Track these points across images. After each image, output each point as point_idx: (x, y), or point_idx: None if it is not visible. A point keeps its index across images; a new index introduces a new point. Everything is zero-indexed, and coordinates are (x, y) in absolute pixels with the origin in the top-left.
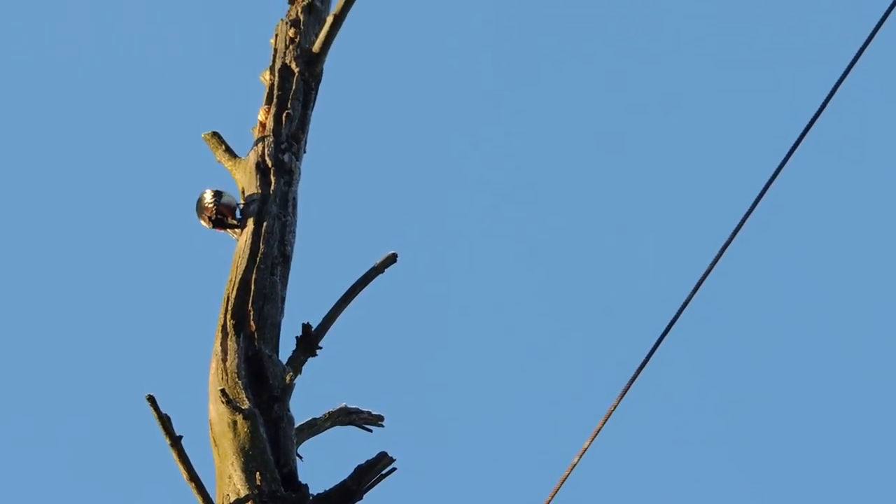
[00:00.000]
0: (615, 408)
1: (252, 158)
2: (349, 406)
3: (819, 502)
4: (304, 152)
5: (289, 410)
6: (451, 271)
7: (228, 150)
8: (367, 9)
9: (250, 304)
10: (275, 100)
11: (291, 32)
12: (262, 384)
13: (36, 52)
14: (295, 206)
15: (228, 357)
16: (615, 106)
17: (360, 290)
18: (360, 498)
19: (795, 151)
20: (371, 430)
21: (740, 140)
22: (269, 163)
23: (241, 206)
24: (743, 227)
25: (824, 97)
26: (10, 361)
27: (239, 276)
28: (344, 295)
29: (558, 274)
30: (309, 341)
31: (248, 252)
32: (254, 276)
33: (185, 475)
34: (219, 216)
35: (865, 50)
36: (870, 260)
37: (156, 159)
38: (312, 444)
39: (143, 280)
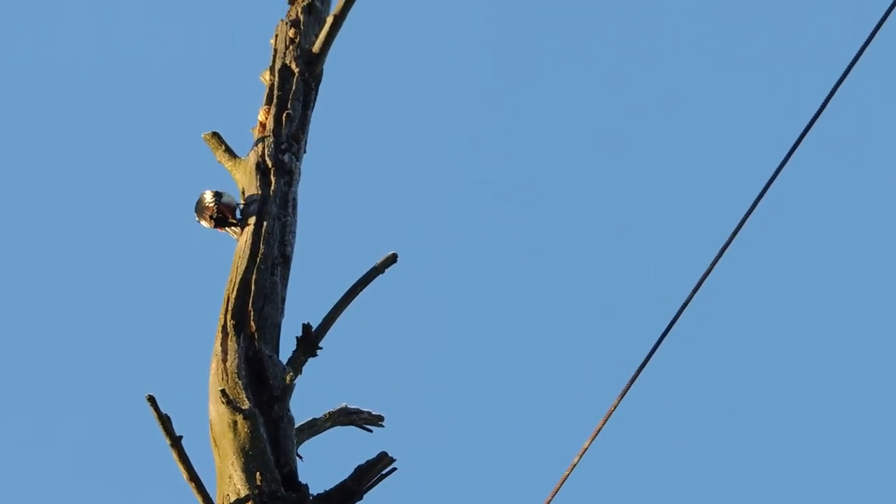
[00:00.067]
0: (615, 408)
1: (252, 159)
2: (349, 406)
3: (819, 502)
4: (304, 152)
5: (289, 410)
6: (451, 271)
7: (228, 151)
8: (367, 9)
9: (250, 305)
10: (275, 100)
11: (291, 33)
12: (262, 384)
13: (36, 52)
14: (295, 207)
15: (229, 357)
16: (615, 106)
17: (360, 291)
18: (361, 498)
19: (795, 151)
20: (371, 431)
21: (740, 140)
22: (270, 163)
23: (241, 207)
24: (743, 227)
25: (824, 97)
26: (11, 362)
27: (239, 277)
28: (344, 295)
29: (558, 274)
30: (309, 341)
31: (248, 252)
32: (254, 277)
33: (185, 475)
34: (220, 215)
35: (865, 50)
36: (870, 260)
37: (156, 159)
38: (313, 445)
39: (143, 280)
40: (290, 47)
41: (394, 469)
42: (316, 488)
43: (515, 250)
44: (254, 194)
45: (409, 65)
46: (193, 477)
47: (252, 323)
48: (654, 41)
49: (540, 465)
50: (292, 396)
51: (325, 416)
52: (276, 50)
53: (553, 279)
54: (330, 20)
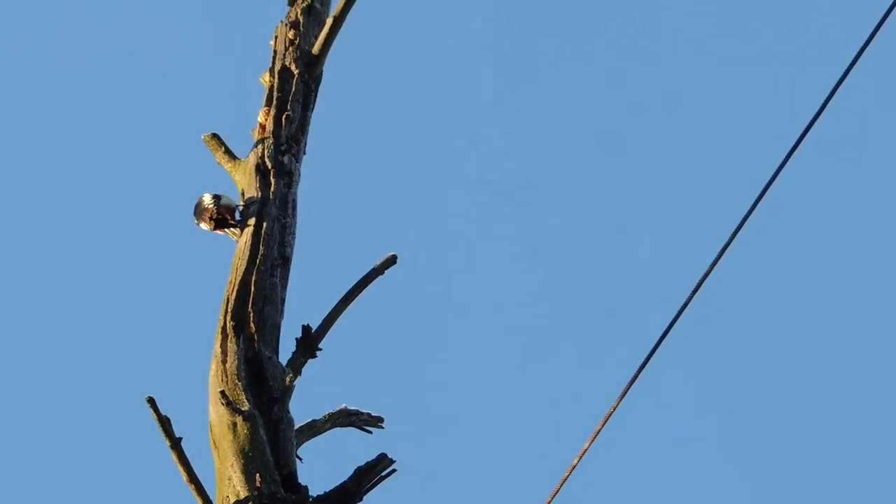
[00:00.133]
0: (615, 409)
1: (252, 160)
2: (349, 407)
3: (818, 503)
4: (304, 154)
5: (289, 412)
6: (450, 272)
7: (228, 152)
8: (367, 10)
9: (250, 306)
10: (274, 101)
11: (291, 34)
12: (261, 386)
13: (36, 52)
14: (295, 208)
15: (228, 359)
16: (615, 106)
17: (359, 292)
18: (360, 499)
19: (795, 151)
20: (371, 432)
21: (740, 140)
22: (269, 164)
23: (241, 208)
24: (743, 227)
25: (824, 97)
26: (11, 362)
27: (239, 278)
28: (344, 296)
29: (558, 275)
30: (309, 343)
31: (247, 254)
32: (254, 278)
33: (184, 477)
34: (219, 216)
35: (865, 50)
36: (870, 261)
37: (156, 161)
38: (312, 446)
39: (143, 282)
40: (290, 49)
41: (393, 470)
42: (316, 490)
43: (515, 251)
44: (253, 196)
45: (409, 66)
46: (193, 478)
47: (252, 324)
48: (654, 41)
49: (540, 466)
50: (292, 398)
51: (324, 417)
52: (275, 51)
53: (553, 279)
54: (329, 21)
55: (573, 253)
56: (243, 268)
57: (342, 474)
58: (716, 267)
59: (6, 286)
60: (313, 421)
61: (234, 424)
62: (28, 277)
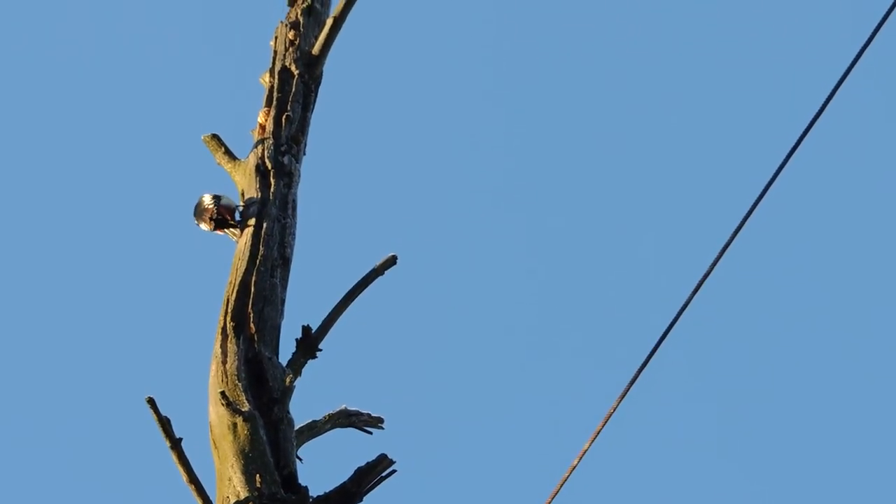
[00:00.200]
0: (615, 409)
1: (252, 160)
2: (349, 408)
3: (818, 503)
4: (304, 154)
5: (289, 412)
6: (450, 273)
7: (228, 153)
8: (367, 11)
9: (250, 307)
10: (274, 102)
11: (291, 35)
12: (261, 386)
13: (36, 53)
14: (295, 209)
15: (228, 359)
16: (615, 106)
17: (359, 293)
18: (360, 500)
19: (796, 152)
20: (371, 433)
21: (740, 140)
22: (269, 165)
23: (241, 209)
24: (743, 227)
25: (824, 97)
26: (11, 362)
27: (239, 279)
28: (344, 297)
29: (558, 275)
30: (309, 343)
31: (247, 254)
32: (254, 279)
33: (184, 477)
34: (219, 216)
35: (866, 50)
36: (870, 261)
37: (156, 161)
38: (312, 447)
39: (143, 282)
40: (290, 49)
41: (394, 471)
42: (316, 490)
43: (515, 251)
44: (253, 196)
45: (409, 66)
46: (193, 479)
47: (252, 325)
48: (654, 41)
49: (539, 467)
50: (292, 398)
51: (324, 417)
52: (275, 52)
53: (553, 280)
54: (329, 22)
55: (573, 253)
56: (243, 268)
57: (342, 475)
58: (716, 267)
59: (7, 286)
60: (313, 422)
61: (235, 425)
62: (28, 278)
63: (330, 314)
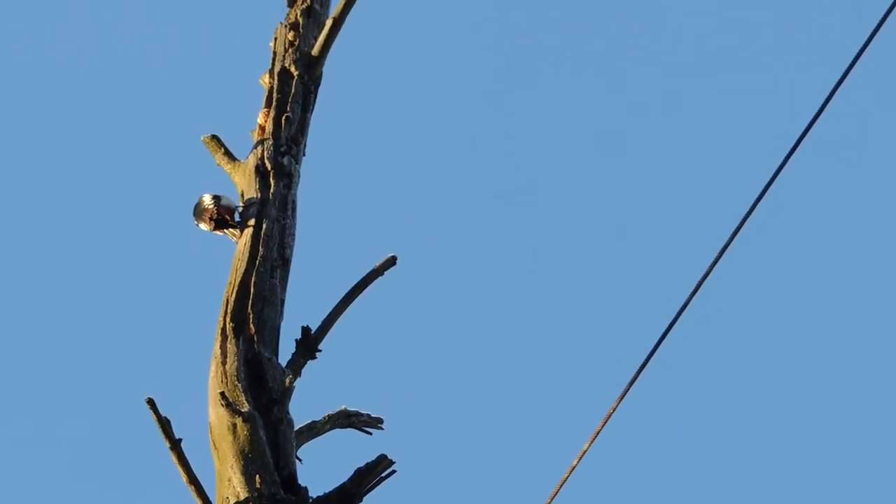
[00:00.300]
0: (615, 410)
1: (251, 161)
2: (349, 409)
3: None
4: (304, 155)
5: (288, 413)
6: (450, 273)
7: (228, 153)
8: (367, 12)
9: (250, 307)
10: (274, 103)
11: (291, 36)
12: (261, 387)
13: (36, 53)
14: (294, 209)
15: (228, 360)
16: (615, 107)
17: (359, 293)
18: (360, 500)
19: (796, 152)
20: (370, 433)
21: (740, 140)
22: (269, 166)
23: (241, 209)
24: (743, 227)
25: (824, 97)
26: (11, 363)
27: (238, 279)
28: (343, 298)
29: (558, 276)
30: (308, 344)
31: (247, 255)
32: (253, 279)
33: (184, 478)
34: (219, 217)
35: (865, 50)
36: (870, 261)
37: (155, 162)
38: (312, 447)
39: (142, 283)
40: (290, 50)
41: (393, 471)
42: (315, 491)
43: (514, 252)
44: (253, 197)
45: (409, 67)
46: (193, 480)
47: (251, 325)
48: (654, 41)
49: (539, 468)
50: (292, 399)
51: (324, 418)
52: (275, 53)
53: (553, 281)
54: (329, 23)
55: (573, 253)
56: (243, 269)
57: (342, 475)
58: (716, 267)
59: (7, 287)
60: (313, 422)
61: (234, 426)
62: (28, 278)
63: (329, 315)
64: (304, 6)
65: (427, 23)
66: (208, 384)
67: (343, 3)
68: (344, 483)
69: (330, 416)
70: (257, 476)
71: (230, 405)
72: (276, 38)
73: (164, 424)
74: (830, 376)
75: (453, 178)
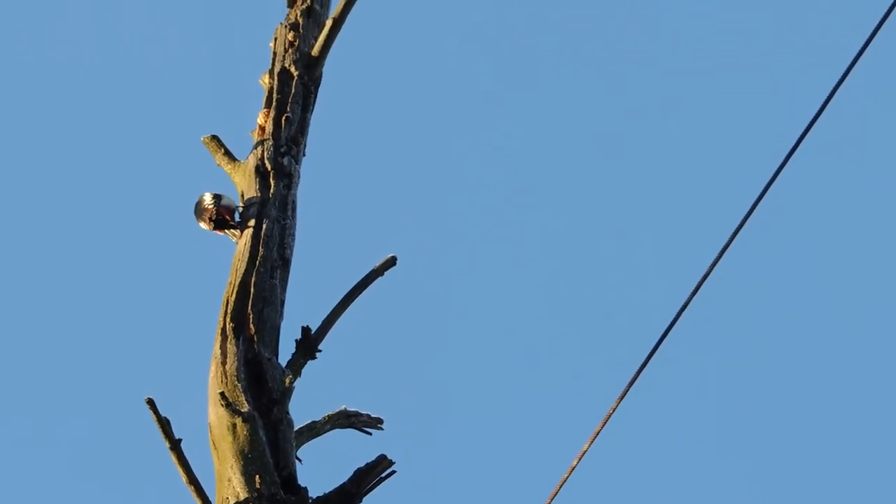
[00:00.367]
0: (614, 410)
1: (251, 162)
2: (349, 409)
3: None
4: (304, 155)
5: (288, 413)
6: (450, 274)
7: (228, 154)
8: (367, 12)
9: (250, 308)
10: (274, 103)
11: (291, 36)
12: (261, 387)
13: (36, 53)
14: (294, 210)
15: (228, 360)
16: (615, 107)
17: (359, 293)
18: (360, 501)
19: (795, 152)
20: (371, 433)
21: (740, 140)
22: (269, 166)
23: (241, 209)
24: (743, 227)
25: (824, 98)
26: (11, 363)
27: (238, 280)
28: (343, 298)
29: (558, 276)
30: (308, 344)
31: (247, 255)
32: (253, 280)
33: (184, 478)
34: (219, 217)
35: (865, 50)
36: (870, 261)
37: (155, 163)
38: (312, 447)
39: (142, 283)
40: (290, 50)
41: (393, 472)
42: (315, 491)
43: (514, 252)
44: (253, 197)
45: (409, 67)
46: (193, 480)
47: (251, 326)
48: (654, 41)
49: (539, 467)
50: (291, 399)
51: (324, 418)
52: (275, 53)
53: (552, 281)
54: (329, 23)
55: (573, 253)
56: (243, 269)
57: (342, 476)
58: (716, 267)
59: (6, 287)
60: (313, 422)
61: (234, 426)
62: (28, 279)
63: (329, 315)
64: (304, 6)
65: (427, 23)
66: (208, 384)
67: (343, 3)
68: (344, 483)
69: (330, 417)
70: (257, 476)
71: (230, 405)
72: (275, 39)
73: (164, 424)
74: (831, 376)
75: (453, 178)
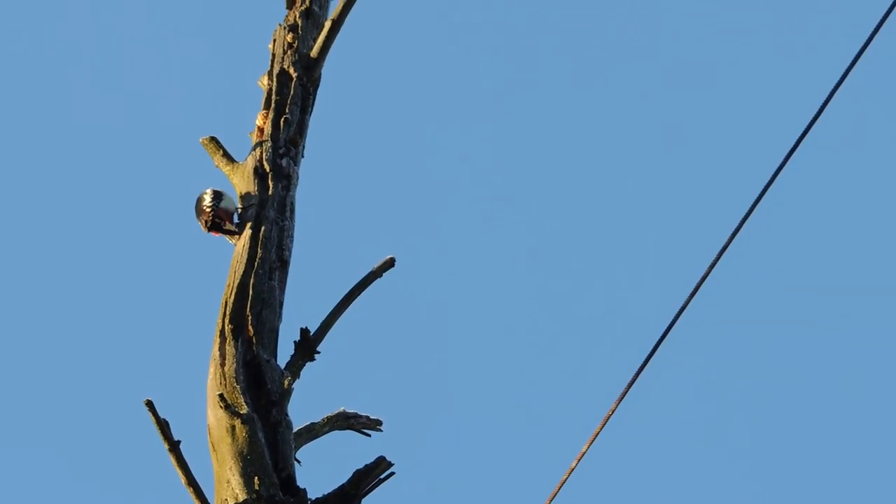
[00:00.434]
0: (614, 411)
1: (250, 163)
2: (347, 410)
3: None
4: (302, 157)
5: (287, 415)
6: (449, 275)
7: (226, 155)
8: (365, 13)
9: (248, 309)
10: (273, 105)
11: (289, 37)
12: (260, 389)
13: (36, 53)
14: (293, 211)
15: (227, 362)
16: (615, 107)
17: (358, 295)
18: (359, 502)
19: (795, 152)
20: (369, 435)
21: (740, 140)
22: (268, 167)
23: (239, 211)
24: (742, 228)
25: (824, 98)
26: (11, 364)
27: (237, 281)
28: (342, 299)
29: (557, 277)
30: (307, 346)
31: (246, 257)
32: (252, 281)
33: (183, 480)
34: (216, 220)
35: (865, 50)
36: (869, 261)
37: (154, 164)
38: (311, 449)
39: (141, 284)
40: (289, 52)
41: (392, 473)
42: (314, 493)
43: (513, 253)
44: (252, 198)
45: (407, 69)
46: (192, 481)
47: (250, 327)
48: (654, 41)
49: (539, 467)
50: (290, 401)
51: (323, 420)
52: (274, 55)
53: (552, 282)
54: (328, 25)
55: (572, 254)
56: (242, 271)
57: (341, 477)
58: (716, 267)
59: (6, 288)
60: (312, 424)
61: (233, 427)
62: (28, 279)
63: (328, 316)
64: (302, 8)
65: (426, 24)
66: (207, 386)
67: (342, 4)
68: (343, 485)
69: (329, 418)
70: (256, 478)
71: (229, 407)
72: (274, 40)
73: (163, 426)
74: (830, 376)
75: (452, 179)
